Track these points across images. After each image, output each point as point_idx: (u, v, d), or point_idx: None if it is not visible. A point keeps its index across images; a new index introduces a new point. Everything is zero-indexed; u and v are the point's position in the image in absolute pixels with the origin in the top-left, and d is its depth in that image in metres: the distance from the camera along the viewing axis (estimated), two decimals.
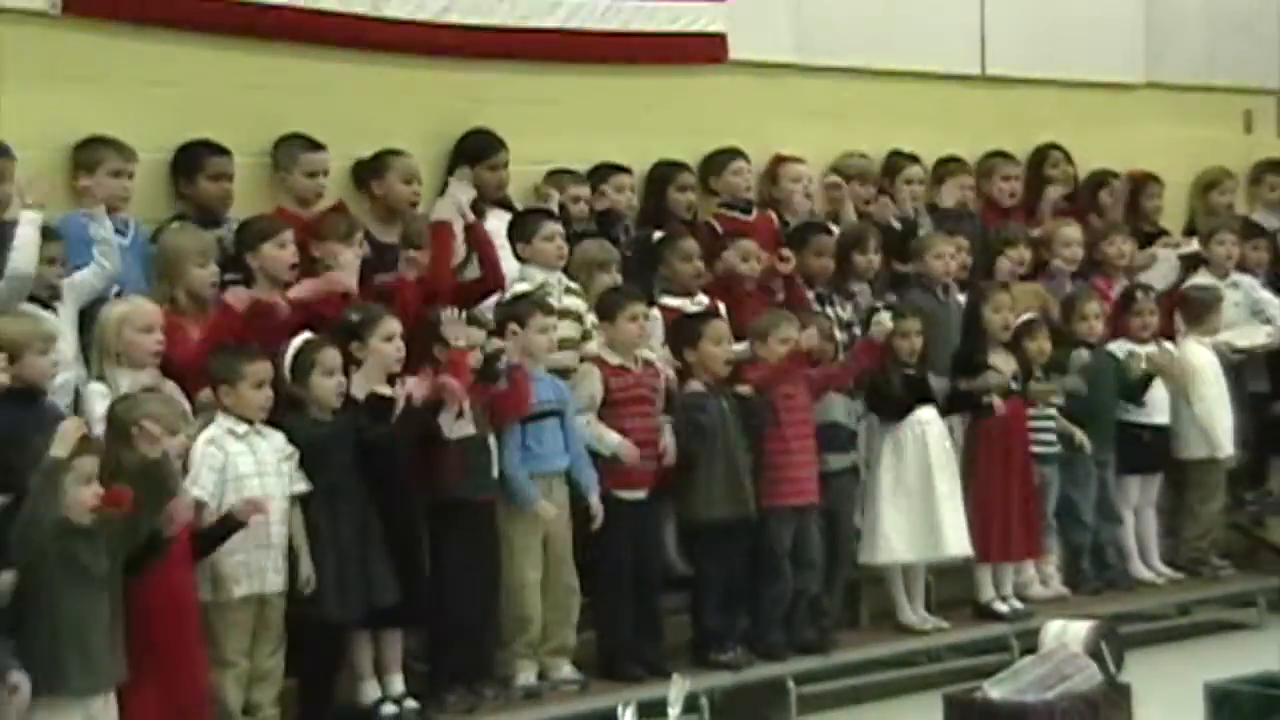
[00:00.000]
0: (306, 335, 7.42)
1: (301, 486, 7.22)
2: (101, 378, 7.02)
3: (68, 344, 7.05)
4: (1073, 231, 10.53)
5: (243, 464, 7.04)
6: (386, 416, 7.46)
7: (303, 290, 7.59)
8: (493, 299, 8.27)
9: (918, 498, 9.16)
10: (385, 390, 7.51)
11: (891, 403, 9.20)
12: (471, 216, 8.28)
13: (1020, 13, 11.06)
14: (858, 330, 9.33)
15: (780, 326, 8.76)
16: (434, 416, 7.61)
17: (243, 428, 7.09)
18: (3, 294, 6.83)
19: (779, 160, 9.86)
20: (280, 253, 7.65)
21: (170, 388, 7.09)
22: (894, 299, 9.57)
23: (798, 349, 8.69)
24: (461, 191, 8.50)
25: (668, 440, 8.40)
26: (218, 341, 7.28)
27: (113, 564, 6.35)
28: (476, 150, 8.73)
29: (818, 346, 8.89)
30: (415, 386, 7.56)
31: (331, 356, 7.37)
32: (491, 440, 7.85)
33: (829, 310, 9.29)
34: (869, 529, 9.20)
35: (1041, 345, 9.72)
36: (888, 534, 9.17)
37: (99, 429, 6.75)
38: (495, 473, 7.87)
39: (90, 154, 7.60)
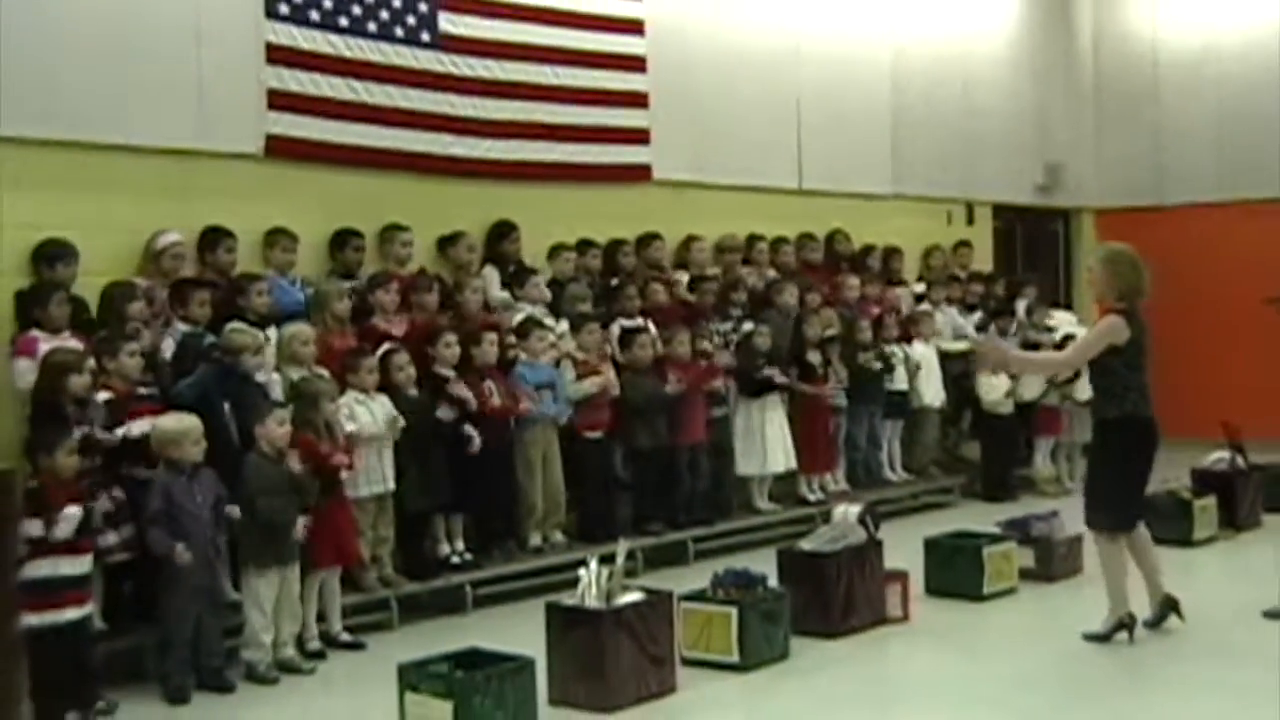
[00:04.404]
0: (389, 346, 7.23)
1: (401, 423, 6.98)
2: (279, 370, 6.90)
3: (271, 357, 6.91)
4: (855, 280, 10.49)
5: (363, 417, 6.89)
6: (446, 393, 7.29)
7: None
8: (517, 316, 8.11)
9: (757, 437, 9.09)
10: (449, 374, 7.38)
11: (751, 387, 9.10)
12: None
13: (820, 154, 10.96)
14: (732, 338, 9.27)
15: (683, 333, 8.73)
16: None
17: (361, 396, 6.94)
18: None
19: (690, 239, 9.79)
20: (388, 297, 7.59)
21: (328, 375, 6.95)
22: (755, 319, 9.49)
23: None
24: (493, 284, 8.33)
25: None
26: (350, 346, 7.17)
27: (292, 483, 6.21)
28: (502, 231, 8.58)
29: (706, 349, 8.83)
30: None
31: (406, 361, 7.20)
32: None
33: (713, 326, 9.19)
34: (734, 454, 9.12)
35: (838, 349, 9.72)
36: (740, 458, 9.11)
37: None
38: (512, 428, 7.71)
39: (272, 238, 7.52)
